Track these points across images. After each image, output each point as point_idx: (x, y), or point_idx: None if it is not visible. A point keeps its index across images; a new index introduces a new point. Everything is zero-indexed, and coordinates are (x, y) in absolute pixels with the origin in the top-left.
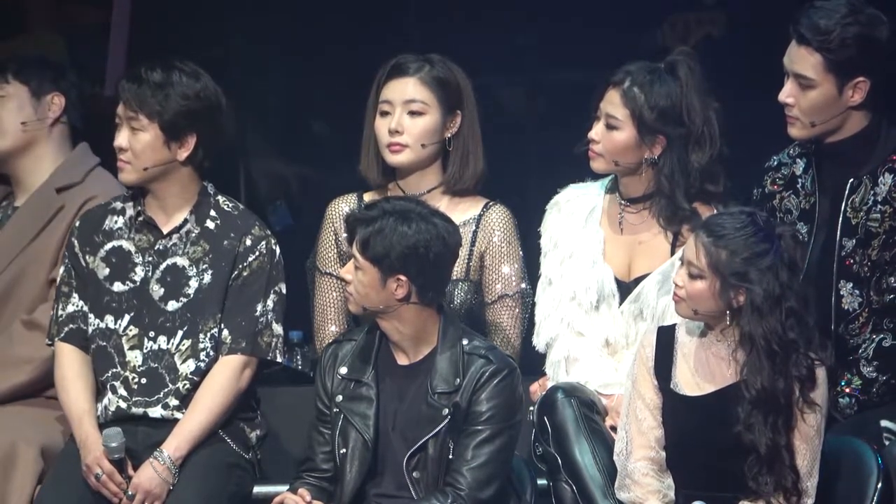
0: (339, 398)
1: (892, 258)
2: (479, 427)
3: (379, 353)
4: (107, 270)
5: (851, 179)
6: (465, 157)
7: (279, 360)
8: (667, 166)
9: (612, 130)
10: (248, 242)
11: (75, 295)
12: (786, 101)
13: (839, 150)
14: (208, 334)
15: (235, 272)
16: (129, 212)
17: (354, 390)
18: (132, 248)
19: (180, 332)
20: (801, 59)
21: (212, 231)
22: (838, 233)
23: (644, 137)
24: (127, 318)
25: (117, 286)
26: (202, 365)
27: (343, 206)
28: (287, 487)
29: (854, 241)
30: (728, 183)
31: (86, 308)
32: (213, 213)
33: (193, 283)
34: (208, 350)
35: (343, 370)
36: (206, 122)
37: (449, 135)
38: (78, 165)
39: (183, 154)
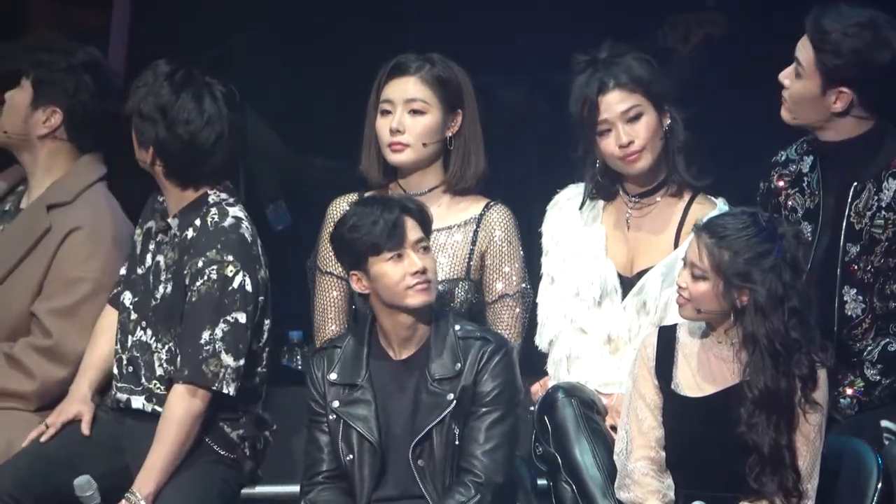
0: (336, 404)
1: (892, 268)
2: (488, 408)
3: (370, 353)
4: (140, 248)
5: (855, 183)
6: (467, 156)
7: (226, 391)
8: (677, 125)
9: (639, 120)
10: (199, 265)
11: (128, 261)
12: (781, 81)
13: (840, 152)
14: (166, 346)
15: (188, 295)
16: (161, 196)
17: (350, 395)
18: (153, 232)
19: (155, 332)
20: (802, 47)
21: (186, 242)
22: (842, 238)
23: (659, 109)
24: (135, 300)
25: (139, 267)
26: (161, 372)
27: (344, 205)
28: (291, 488)
29: (858, 247)
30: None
31: (127, 276)
32: (197, 222)
33: (161, 289)
34: (164, 362)
35: (333, 376)
36: (160, 141)
37: (450, 134)
38: (73, 182)
39: (147, 159)
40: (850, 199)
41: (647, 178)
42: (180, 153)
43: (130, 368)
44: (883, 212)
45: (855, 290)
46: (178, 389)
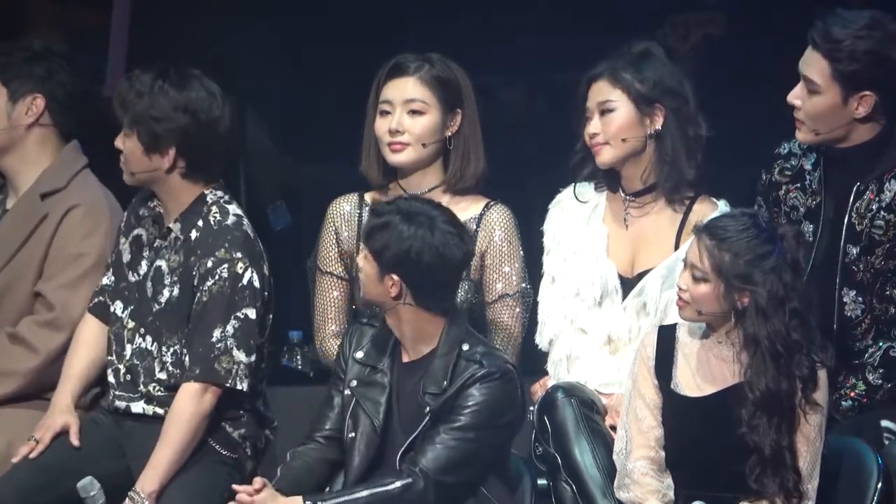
0: (354, 383)
1: (892, 270)
2: (457, 416)
3: (395, 344)
4: (128, 257)
5: (858, 184)
6: (467, 155)
7: (239, 387)
8: (668, 137)
9: (610, 114)
10: (209, 265)
11: (110, 269)
12: (793, 103)
13: (847, 156)
14: (171, 349)
15: (197, 296)
16: (152, 202)
17: (369, 376)
18: (145, 240)
19: (156, 337)
20: (811, 64)
21: (190, 243)
22: (842, 239)
23: (642, 109)
24: (130, 309)
25: (131, 275)
26: (164, 377)
27: (344, 205)
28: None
29: (858, 248)
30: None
31: (114, 285)
32: (199, 223)
33: (166, 293)
34: (168, 365)
35: (359, 354)
36: (187, 135)
37: (449, 133)
38: (63, 169)
39: (165, 164)
40: (851, 200)
41: (632, 176)
42: (207, 140)
43: (129, 377)
44: (883, 213)
45: (854, 292)
46: (189, 389)
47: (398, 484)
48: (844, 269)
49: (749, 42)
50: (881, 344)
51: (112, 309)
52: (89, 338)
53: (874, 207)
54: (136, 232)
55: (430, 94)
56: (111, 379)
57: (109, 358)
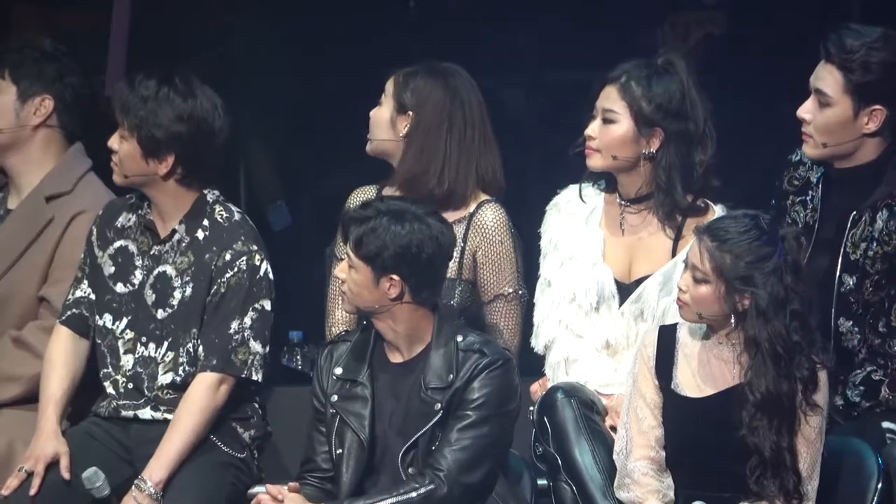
0: (335, 398)
1: (881, 301)
2: (468, 412)
3: (374, 351)
4: (112, 269)
5: (854, 213)
6: (404, 156)
7: (254, 377)
8: (664, 160)
9: (610, 124)
10: (228, 258)
11: (86, 282)
12: (802, 117)
13: (847, 177)
14: (185, 349)
15: (213, 288)
16: (140, 211)
17: (350, 390)
18: (135, 250)
19: (165, 343)
20: (824, 76)
21: (199, 242)
22: (838, 268)
23: (641, 130)
24: (125, 320)
25: (119, 287)
26: (178, 379)
27: (363, 196)
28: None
29: (854, 278)
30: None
31: (93, 297)
32: (205, 222)
33: (177, 295)
34: (185, 365)
35: (338, 370)
36: (188, 144)
37: (401, 135)
38: (68, 172)
39: (162, 170)
40: (847, 229)
41: (627, 184)
42: (206, 150)
43: (130, 385)
44: (875, 243)
45: (851, 322)
46: (205, 380)
47: (422, 490)
48: (840, 298)
49: (749, 42)
50: (865, 367)
51: (101, 323)
52: (64, 356)
53: (867, 237)
54: (119, 244)
55: (390, 92)
56: (110, 390)
57: (105, 371)
